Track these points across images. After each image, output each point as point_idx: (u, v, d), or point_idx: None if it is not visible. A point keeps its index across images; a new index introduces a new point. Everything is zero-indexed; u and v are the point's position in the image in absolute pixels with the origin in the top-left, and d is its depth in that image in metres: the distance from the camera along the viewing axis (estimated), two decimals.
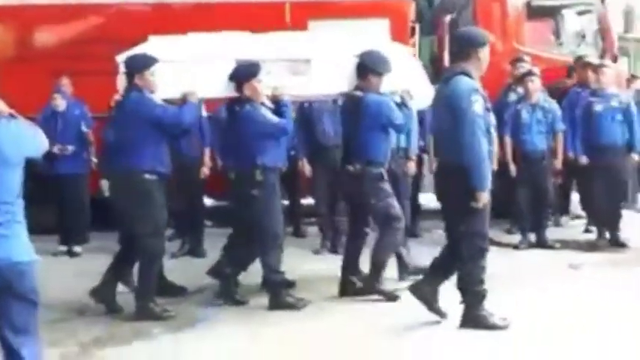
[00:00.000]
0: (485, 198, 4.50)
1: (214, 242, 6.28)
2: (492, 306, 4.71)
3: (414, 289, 4.81)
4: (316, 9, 8.07)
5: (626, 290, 5.52)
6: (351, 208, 5.78)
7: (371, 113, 5.33)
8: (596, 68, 7.04)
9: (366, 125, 5.34)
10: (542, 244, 7.06)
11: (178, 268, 6.32)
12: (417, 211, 7.78)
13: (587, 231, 7.56)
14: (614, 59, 8.46)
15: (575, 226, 7.94)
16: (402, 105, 5.53)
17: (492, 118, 4.79)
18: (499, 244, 6.68)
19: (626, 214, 7.91)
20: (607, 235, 7.13)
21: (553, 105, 7.14)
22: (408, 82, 5.61)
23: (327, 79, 5.52)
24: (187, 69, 5.34)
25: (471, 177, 4.46)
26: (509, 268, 6.02)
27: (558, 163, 7.18)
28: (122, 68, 5.27)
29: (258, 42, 5.83)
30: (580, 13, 9.07)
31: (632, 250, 6.95)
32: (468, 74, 4.60)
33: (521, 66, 7.43)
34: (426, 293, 4.76)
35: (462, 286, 4.68)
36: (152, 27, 7.98)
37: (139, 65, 5.17)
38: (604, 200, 7.10)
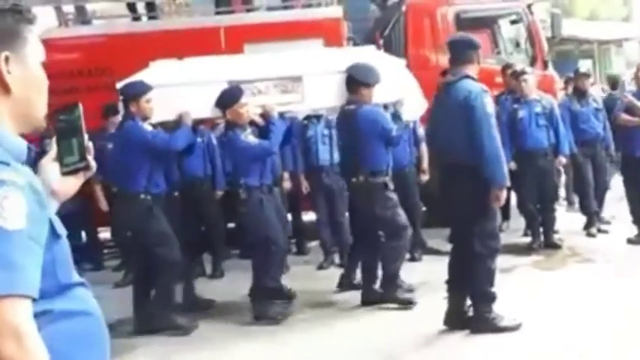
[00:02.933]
0: (504, 195, 4.66)
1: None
2: (428, 314, 4.89)
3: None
4: (251, 32, 8.18)
5: (554, 291, 5.70)
6: (358, 220, 5.90)
7: (367, 124, 5.45)
8: (518, 75, 7.23)
9: (364, 137, 5.47)
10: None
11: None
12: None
13: (526, 234, 7.73)
14: (545, 66, 8.69)
15: (517, 230, 8.11)
16: (396, 117, 5.63)
17: None
18: (438, 252, 6.79)
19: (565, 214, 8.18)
20: (541, 237, 7.31)
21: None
22: (400, 94, 5.71)
23: (320, 94, 5.71)
24: (182, 92, 5.55)
25: (492, 175, 4.59)
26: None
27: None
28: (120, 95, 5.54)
29: (250, 63, 6.09)
30: (512, 22, 9.34)
31: (565, 250, 7.14)
32: (471, 77, 4.77)
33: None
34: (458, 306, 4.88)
35: (472, 289, 4.80)
36: (87, 56, 8.27)
37: (133, 93, 5.41)
38: (535, 203, 7.30)
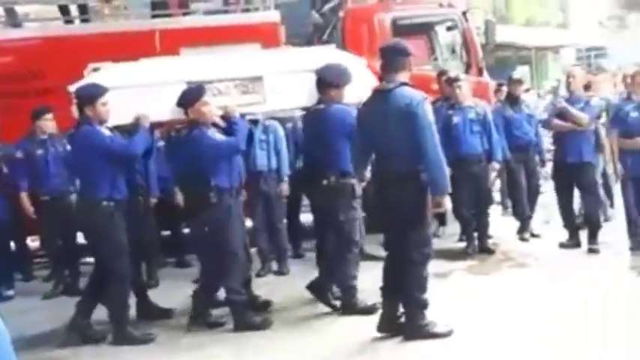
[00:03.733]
0: (446, 201, 4.66)
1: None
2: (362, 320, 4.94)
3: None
4: (187, 36, 8.09)
5: (487, 297, 5.77)
6: (324, 223, 5.76)
7: (336, 123, 5.36)
8: (452, 82, 7.32)
9: (334, 136, 5.37)
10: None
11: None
12: (298, 232, 7.90)
13: (461, 240, 7.81)
14: (480, 72, 8.82)
15: (453, 235, 8.18)
16: None
17: None
18: (374, 257, 6.79)
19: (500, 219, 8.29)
20: (476, 242, 7.40)
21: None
22: (363, 94, 5.49)
23: (282, 94, 5.57)
24: (139, 94, 5.40)
25: (435, 181, 4.61)
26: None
27: None
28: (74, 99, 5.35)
29: (210, 63, 5.93)
30: (448, 29, 9.46)
31: (498, 255, 7.24)
32: (408, 84, 4.77)
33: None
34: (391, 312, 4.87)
35: (405, 295, 4.79)
36: (18, 60, 8.07)
37: (89, 96, 5.24)
38: (470, 209, 7.40)
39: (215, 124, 5.42)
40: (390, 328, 4.88)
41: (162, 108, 5.44)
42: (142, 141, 5.32)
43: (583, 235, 7.29)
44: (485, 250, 7.30)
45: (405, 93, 4.71)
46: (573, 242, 7.38)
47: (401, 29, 8.71)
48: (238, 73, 5.63)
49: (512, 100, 8.00)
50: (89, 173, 5.29)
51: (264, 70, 5.62)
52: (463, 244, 7.59)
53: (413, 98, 4.67)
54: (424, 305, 4.80)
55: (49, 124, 7.03)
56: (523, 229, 7.91)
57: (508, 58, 30.29)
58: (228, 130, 5.38)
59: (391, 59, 4.86)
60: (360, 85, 5.53)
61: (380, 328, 4.89)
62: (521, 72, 28.31)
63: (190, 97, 5.34)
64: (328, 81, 5.43)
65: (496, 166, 7.54)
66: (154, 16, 8.85)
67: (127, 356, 5.06)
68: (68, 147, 7.01)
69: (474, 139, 7.28)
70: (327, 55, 5.92)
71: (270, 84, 5.54)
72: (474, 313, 5.31)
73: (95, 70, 7.64)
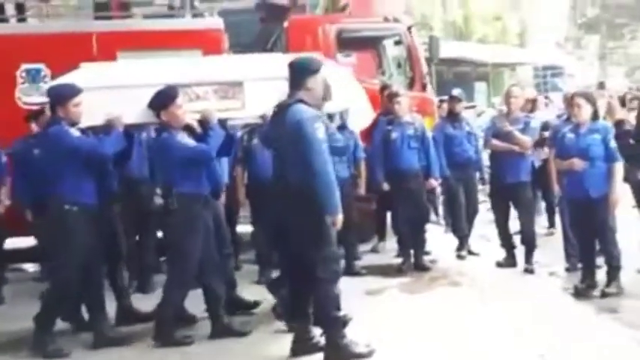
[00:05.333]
0: (339, 221, 4.50)
1: None
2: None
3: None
4: (125, 40, 7.89)
5: (413, 316, 5.68)
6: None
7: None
8: (392, 97, 7.24)
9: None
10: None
11: None
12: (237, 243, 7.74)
13: (399, 255, 7.71)
14: (423, 87, 8.76)
15: (392, 251, 8.07)
16: (343, 127, 5.41)
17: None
18: None
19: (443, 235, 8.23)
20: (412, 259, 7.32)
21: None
22: (347, 103, 5.51)
23: (261, 101, 5.33)
24: (114, 96, 5.23)
25: (325, 202, 4.46)
26: None
27: (362, 189, 7.37)
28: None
29: (189, 67, 5.77)
30: (396, 43, 9.38)
31: (433, 273, 7.16)
32: (304, 102, 4.62)
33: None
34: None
35: (319, 315, 4.64)
36: None
37: (61, 96, 5.09)
38: (406, 224, 7.32)
39: (189, 129, 5.24)
40: (303, 348, 4.75)
41: (138, 110, 5.27)
42: (113, 143, 5.15)
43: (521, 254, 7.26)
44: (421, 268, 7.22)
45: (296, 110, 4.60)
46: (510, 261, 7.35)
47: (346, 42, 8.63)
48: (218, 78, 5.47)
49: (453, 117, 7.96)
50: (56, 175, 5.13)
51: (245, 76, 5.45)
52: (400, 260, 7.49)
53: (303, 116, 4.55)
54: (342, 323, 4.67)
55: None
56: (461, 247, 7.85)
57: (467, 74, 30.59)
58: (201, 138, 5.19)
59: (293, 75, 4.77)
60: (344, 94, 5.37)
61: (293, 350, 4.76)
62: (478, 88, 28.65)
63: (163, 98, 5.15)
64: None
65: (433, 182, 7.48)
66: (96, 18, 8.62)
67: None
68: None
69: (411, 155, 7.22)
70: None
71: (250, 90, 5.38)
72: (398, 332, 5.20)
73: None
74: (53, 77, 7.78)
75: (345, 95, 5.48)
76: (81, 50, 7.66)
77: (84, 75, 5.45)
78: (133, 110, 5.28)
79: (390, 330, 5.22)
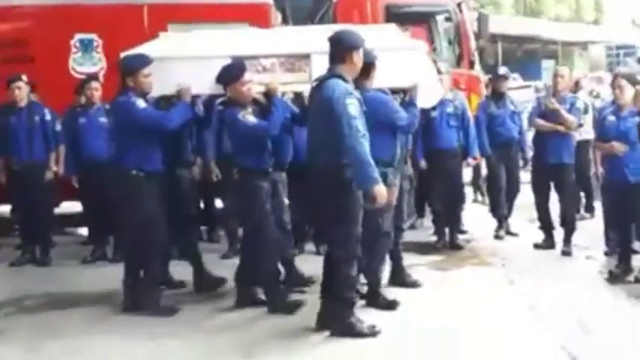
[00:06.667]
0: (381, 194, 4.45)
1: None
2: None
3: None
4: (175, 12, 8.06)
5: (436, 293, 5.71)
6: None
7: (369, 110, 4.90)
8: None
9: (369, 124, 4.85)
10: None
11: None
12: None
13: (435, 233, 7.69)
14: (471, 65, 8.67)
15: (431, 228, 8.07)
16: (410, 104, 5.31)
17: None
18: None
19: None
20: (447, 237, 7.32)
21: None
22: (416, 79, 5.39)
23: None
24: (183, 66, 5.35)
25: (357, 178, 4.47)
26: None
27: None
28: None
29: (256, 38, 5.85)
30: (446, 20, 9.29)
31: (466, 252, 7.15)
32: (342, 77, 4.62)
33: None
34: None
35: (335, 292, 4.68)
36: (6, 29, 8.09)
37: (131, 67, 5.24)
38: (441, 203, 7.31)
39: (255, 101, 5.31)
40: (327, 323, 4.79)
41: (205, 82, 5.32)
42: (179, 114, 5.26)
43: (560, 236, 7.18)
44: (455, 247, 7.21)
45: (331, 85, 4.58)
46: (548, 243, 7.27)
47: (395, 18, 8.57)
48: (285, 50, 5.45)
49: (497, 96, 7.86)
50: (121, 142, 5.34)
51: (313, 48, 5.35)
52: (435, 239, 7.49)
53: (335, 91, 4.52)
54: (351, 304, 4.71)
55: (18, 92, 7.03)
56: (500, 227, 7.80)
57: (534, 52, 29.96)
58: (266, 109, 5.25)
59: (333, 49, 4.72)
60: (414, 69, 5.28)
61: (318, 322, 4.82)
62: (545, 65, 27.98)
63: (230, 74, 5.21)
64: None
65: (471, 161, 7.43)
66: None
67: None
68: (48, 117, 7.16)
69: (450, 134, 7.18)
70: (384, 35, 5.58)
71: (317, 62, 5.25)
72: (413, 308, 5.24)
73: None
74: (104, 47, 8.08)
75: (417, 71, 5.38)
76: (132, 21, 7.91)
77: (159, 45, 5.56)
78: (204, 81, 5.33)
79: (406, 305, 5.26)
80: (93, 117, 7.11)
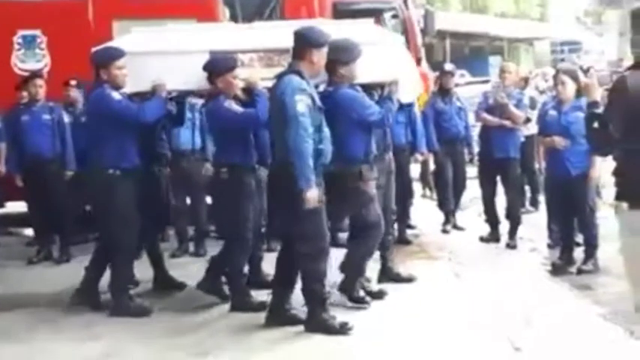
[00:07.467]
0: (312, 198, 4.45)
1: None
2: None
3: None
4: (121, 8, 7.95)
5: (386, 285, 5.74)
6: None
7: (343, 108, 4.93)
8: None
9: (340, 121, 4.92)
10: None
11: None
12: None
13: None
14: (418, 62, 8.74)
15: None
16: (387, 98, 5.19)
17: None
18: None
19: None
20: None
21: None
22: (395, 74, 5.28)
23: None
24: (159, 62, 5.25)
25: (297, 176, 4.43)
26: None
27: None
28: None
29: (234, 33, 5.78)
30: (393, 17, 9.36)
31: (413, 247, 7.23)
32: (299, 73, 4.60)
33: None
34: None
35: (304, 289, 4.69)
36: None
37: (104, 59, 5.14)
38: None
39: (236, 97, 5.24)
40: (276, 318, 4.83)
41: (183, 77, 5.28)
42: (154, 109, 5.18)
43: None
44: (403, 241, 7.29)
45: (285, 81, 4.58)
46: (494, 236, 7.41)
47: (342, 14, 8.60)
48: (264, 45, 5.38)
49: (444, 92, 7.97)
50: (96, 139, 5.22)
51: (291, 43, 5.15)
52: None
53: (287, 87, 4.53)
54: (322, 299, 4.71)
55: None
56: (447, 222, 7.92)
57: (481, 48, 30.37)
58: (247, 105, 5.18)
59: (294, 45, 4.71)
60: (393, 64, 5.24)
61: (267, 318, 4.85)
62: (492, 61, 28.38)
63: (225, 65, 5.16)
64: (334, 58, 4.87)
65: (419, 157, 7.53)
66: None
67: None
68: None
69: (398, 130, 7.23)
70: (363, 30, 5.47)
71: None
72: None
73: None
74: (48, 44, 7.95)
75: (396, 65, 5.34)
76: (76, 17, 7.82)
77: (132, 40, 5.46)
78: (179, 77, 5.27)
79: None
80: (36, 114, 7.01)
